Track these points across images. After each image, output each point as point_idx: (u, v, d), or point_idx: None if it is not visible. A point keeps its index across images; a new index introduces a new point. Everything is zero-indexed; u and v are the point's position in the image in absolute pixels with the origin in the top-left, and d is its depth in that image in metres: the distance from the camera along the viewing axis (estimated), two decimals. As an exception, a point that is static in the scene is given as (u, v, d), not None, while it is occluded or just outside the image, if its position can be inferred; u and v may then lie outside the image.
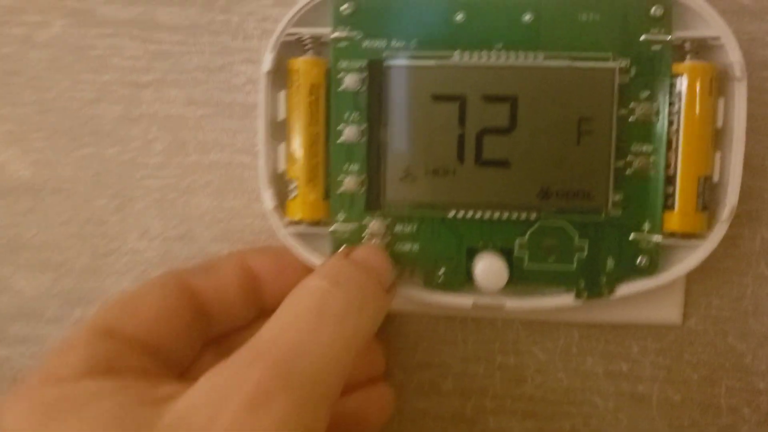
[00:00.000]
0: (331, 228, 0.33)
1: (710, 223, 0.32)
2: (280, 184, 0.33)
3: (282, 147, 0.33)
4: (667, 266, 0.32)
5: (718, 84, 0.31)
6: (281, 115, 0.32)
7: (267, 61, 0.32)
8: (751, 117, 0.31)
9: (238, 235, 0.36)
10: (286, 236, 0.33)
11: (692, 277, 0.34)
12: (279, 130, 0.33)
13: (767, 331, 0.35)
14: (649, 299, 0.33)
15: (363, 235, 0.33)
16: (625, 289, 0.32)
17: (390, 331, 0.36)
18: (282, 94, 0.32)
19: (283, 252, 0.33)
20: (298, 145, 0.32)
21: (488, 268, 0.31)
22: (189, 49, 0.35)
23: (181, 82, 0.36)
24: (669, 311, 0.34)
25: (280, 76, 0.32)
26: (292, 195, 0.32)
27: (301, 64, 0.32)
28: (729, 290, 0.35)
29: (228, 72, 0.35)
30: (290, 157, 0.32)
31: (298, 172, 0.32)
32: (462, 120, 0.32)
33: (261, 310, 0.32)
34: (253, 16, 0.35)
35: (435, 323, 0.36)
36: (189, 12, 0.35)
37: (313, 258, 0.33)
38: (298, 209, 0.32)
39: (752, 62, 0.33)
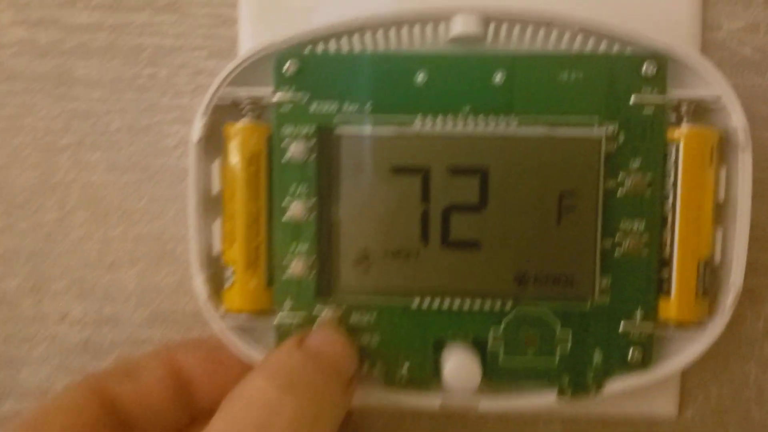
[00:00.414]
0: (276, 320, 0.28)
1: (711, 308, 0.27)
2: (216, 268, 0.28)
3: (217, 224, 0.28)
4: (663, 359, 0.28)
5: (720, 151, 0.26)
6: (215, 188, 0.27)
7: (197, 129, 0.27)
8: (753, 182, 0.26)
9: (171, 318, 0.31)
10: (222, 330, 0.28)
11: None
12: (213, 206, 0.28)
13: (773, 422, 0.30)
14: (641, 390, 0.29)
15: (313, 326, 0.28)
16: (614, 385, 0.28)
17: (347, 428, 0.31)
18: (216, 164, 0.27)
19: (219, 346, 0.28)
20: (235, 223, 0.27)
21: (459, 366, 0.27)
22: (111, 108, 0.31)
23: (103, 144, 0.31)
24: (663, 403, 0.30)
25: (214, 142, 0.27)
26: (230, 282, 0.27)
27: (238, 130, 0.27)
28: (729, 377, 0.30)
29: (156, 133, 0.31)
30: (226, 237, 0.28)
31: (235, 255, 0.27)
32: (426, 195, 0.27)
33: (194, 415, 0.27)
34: (185, 70, 0.30)
35: (399, 419, 0.31)
36: (111, 65, 0.30)
37: (254, 354, 0.28)
38: (236, 299, 0.28)
39: (754, 120, 0.29)
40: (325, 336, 0.27)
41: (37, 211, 0.31)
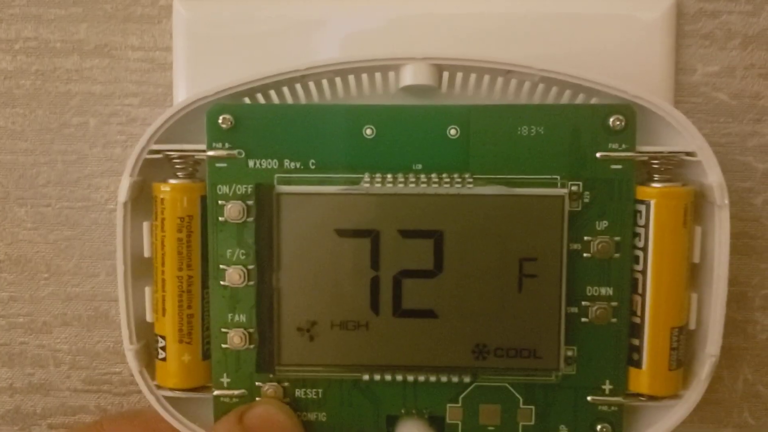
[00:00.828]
0: (215, 394, 0.25)
1: (685, 378, 0.25)
2: (151, 335, 0.26)
3: (149, 291, 0.25)
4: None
5: (694, 210, 0.24)
6: (146, 251, 0.25)
7: (123, 189, 0.24)
8: (731, 234, 0.24)
9: (106, 385, 0.29)
10: (158, 402, 0.25)
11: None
12: (146, 268, 0.25)
13: (754, 493, 0.28)
14: (612, 463, 0.27)
15: (254, 400, 0.25)
16: (582, 462, 0.25)
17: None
18: (146, 226, 0.25)
19: (157, 417, 0.25)
20: (165, 293, 0.25)
21: (412, 449, 0.24)
22: (38, 160, 0.28)
23: (30, 199, 0.28)
24: (636, 475, 0.28)
25: (146, 200, 0.25)
26: (161, 355, 0.25)
27: (168, 190, 0.24)
28: (707, 443, 0.28)
29: (86, 187, 0.28)
30: (157, 306, 0.25)
31: (166, 327, 0.25)
32: (375, 261, 0.25)
33: None
34: (116, 118, 0.28)
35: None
36: (36, 114, 0.28)
37: (194, 428, 0.25)
38: (168, 374, 0.25)
39: (730, 171, 0.27)
40: (266, 412, 0.25)
41: (-42, 272, 0.29)
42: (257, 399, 0.26)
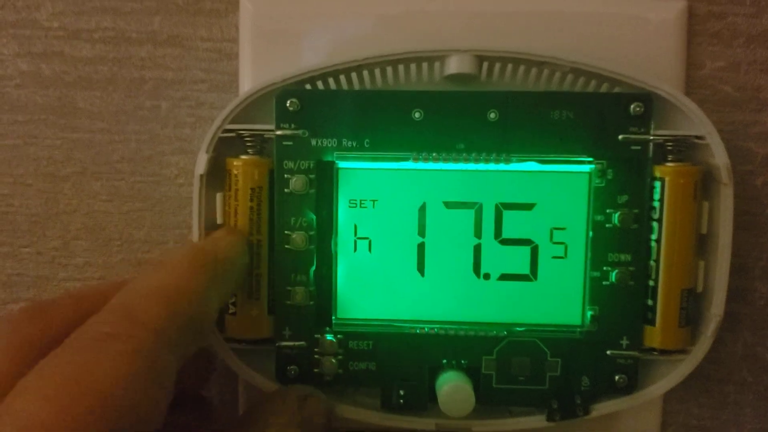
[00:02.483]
0: (278, 345, 0.29)
1: (693, 335, 0.29)
2: (219, 296, 0.29)
3: (220, 255, 0.29)
4: (646, 382, 0.30)
5: (702, 187, 0.28)
6: (219, 219, 0.28)
7: (201, 163, 0.28)
8: (735, 214, 0.28)
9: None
10: (226, 353, 0.29)
11: (671, 386, 0.31)
12: (217, 236, 0.29)
13: (751, 442, 0.32)
14: (626, 414, 0.30)
15: (314, 353, 0.29)
16: (601, 408, 0.29)
17: None
18: (219, 197, 0.28)
19: None
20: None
21: (453, 393, 0.28)
22: (113, 138, 0.31)
23: (105, 174, 0.31)
24: (646, 424, 0.32)
25: (217, 174, 0.28)
26: (231, 311, 0.28)
27: (240, 165, 0.28)
28: (709, 399, 0.32)
29: (157, 163, 0.31)
30: (229, 268, 0.28)
31: (238, 286, 0.28)
32: (422, 229, 0.28)
33: None
34: (186, 102, 0.31)
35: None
36: (113, 97, 0.31)
37: (257, 379, 0.29)
38: (237, 327, 0.29)
39: (734, 155, 0.30)
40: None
41: (40, 238, 0.32)
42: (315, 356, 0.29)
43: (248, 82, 0.30)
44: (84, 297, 0.25)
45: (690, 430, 0.32)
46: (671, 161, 0.28)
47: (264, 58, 0.30)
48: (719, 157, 0.27)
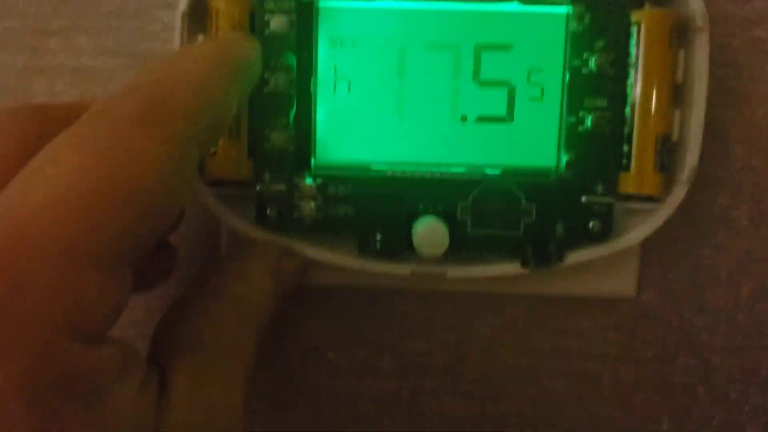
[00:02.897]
0: (257, 189, 0.29)
1: (668, 187, 0.29)
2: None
3: (201, 98, 0.29)
4: (622, 232, 0.30)
5: (678, 34, 0.28)
6: (200, 62, 0.29)
7: (183, 1, 0.28)
8: (711, 77, 0.28)
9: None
10: (207, 196, 0.29)
11: (647, 247, 0.31)
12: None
13: (724, 306, 0.32)
14: (602, 269, 0.31)
15: (294, 197, 0.29)
16: (575, 256, 0.30)
17: (322, 306, 0.32)
18: (201, 39, 0.29)
19: None
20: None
21: (428, 233, 0.28)
22: (100, -8, 0.32)
23: (92, 29, 0.32)
24: (622, 282, 0.32)
25: (198, 18, 0.29)
26: (212, 150, 0.29)
27: (221, 3, 0.28)
28: (685, 261, 0.32)
29: (143, 18, 0.32)
30: (210, 108, 0.29)
31: (218, 125, 0.28)
32: (401, 70, 0.28)
33: None
34: (173, -45, 0.31)
35: (370, 297, 0.33)
36: (99, -50, 0.31)
37: (237, 222, 0.29)
38: (219, 167, 0.29)
39: (713, 17, 0.30)
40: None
41: (25, 94, 0.32)
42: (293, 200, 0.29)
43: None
44: (83, 105, 0.25)
45: (666, 294, 0.32)
46: (648, 7, 0.28)
47: None
48: (694, 1, 0.28)
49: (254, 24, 0.29)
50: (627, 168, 0.29)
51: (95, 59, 0.32)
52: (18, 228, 0.18)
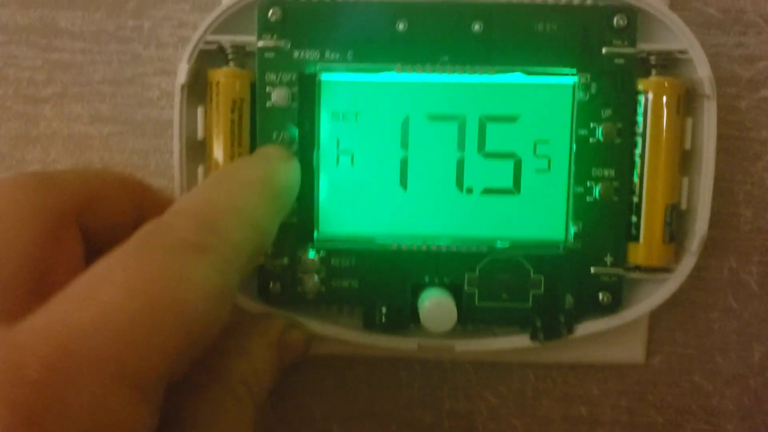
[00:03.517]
0: (260, 263, 0.28)
1: (677, 254, 0.29)
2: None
3: (202, 170, 0.28)
4: (631, 302, 0.29)
5: (686, 102, 0.28)
6: (200, 133, 0.28)
7: (182, 73, 0.27)
8: (717, 138, 0.28)
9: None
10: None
11: (656, 311, 0.31)
12: (198, 151, 0.28)
13: (735, 370, 0.32)
14: (610, 336, 0.30)
15: (297, 270, 0.28)
16: (585, 328, 0.29)
17: (325, 376, 0.32)
18: (200, 110, 0.28)
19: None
20: (219, 168, 0.28)
21: (435, 308, 0.28)
22: (94, 59, 0.31)
23: (86, 95, 0.31)
24: (631, 349, 0.31)
25: (198, 89, 0.28)
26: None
27: (221, 76, 0.27)
28: (694, 325, 0.32)
29: (139, 84, 0.31)
30: (210, 182, 0.28)
31: (218, 200, 0.28)
32: (405, 142, 0.28)
33: None
34: (168, 22, 0.31)
35: (376, 366, 0.32)
36: (94, 17, 0.31)
37: (240, 297, 0.29)
38: (219, 242, 0.28)
39: (718, 78, 0.30)
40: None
41: (19, 163, 0.32)
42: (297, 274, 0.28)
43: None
44: (89, 176, 0.25)
45: (676, 358, 0.32)
46: (655, 75, 0.28)
47: (247, -24, 0.30)
48: (702, 69, 0.27)
49: (255, 96, 0.28)
50: (636, 238, 0.28)
51: (90, 127, 0.32)
52: (67, 344, 0.18)
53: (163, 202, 0.28)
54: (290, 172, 0.27)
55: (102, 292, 0.19)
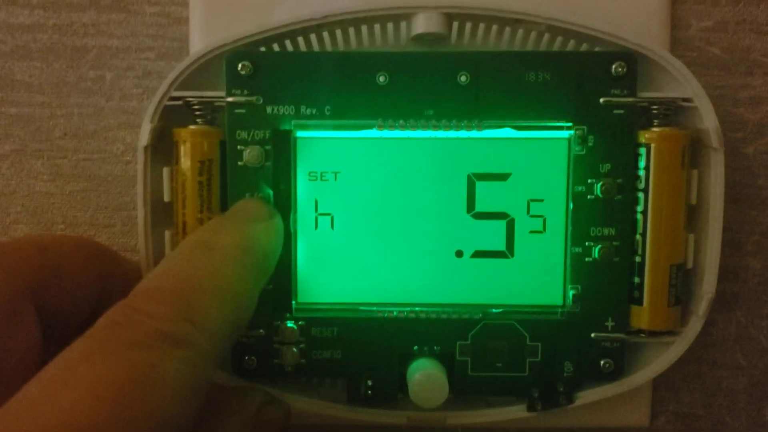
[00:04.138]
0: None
1: (684, 315, 0.26)
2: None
3: (168, 235, 0.26)
4: (634, 367, 0.27)
5: (691, 152, 0.26)
6: (166, 196, 0.26)
7: (145, 133, 0.25)
8: (725, 184, 0.26)
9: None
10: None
11: (660, 371, 0.29)
12: (165, 214, 0.26)
13: (745, 430, 0.30)
14: (612, 400, 0.28)
15: (274, 341, 0.26)
16: (585, 396, 0.27)
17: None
18: (166, 171, 0.26)
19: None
20: (186, 236, 0.25)
21: (425, 382, 0.26)
22: (54, 113, 0.29)
23: (46, 151, 0.29)
24: (635, 413, 0.29)
25: (164, 146, 0.26)
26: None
27: (187, 135, 0.25)
28: (701, 384, 0.30)
29: (102, 139, 0.29)
30: (178, 249, 0.26)
31: (188, 268, 0.25)
32: (388, 203, 0.26)
33: None
34: (132, 72, 0.28)
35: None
36: (53, 68, 0.29)
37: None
38: (189, 314, 0.26)
39: (723, 122, 0.28)
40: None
41: (-25, 223, 0.29)
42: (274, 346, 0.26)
43: (199, 49, 0.28)
44: (45, 245, 0.23)
45: (681, 419, 0.30)
46: (657, 126, 0.26)
47: (216, 23, 0.28)
48: (708, 119, 0.25)
49: (225, 155, 0.25)
50: (639, 301, 0.26)
51: (51, 184, 0.29)
52: None
53: (130, 272, 0.26)
54: (273, 233, 0.25)
55: (64, 397, 0.17)
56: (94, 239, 0.28)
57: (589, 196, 0.26)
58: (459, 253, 0.26)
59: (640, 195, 0.26)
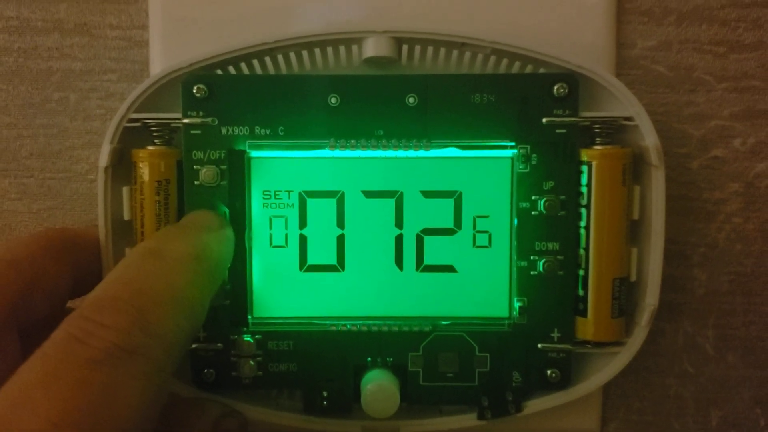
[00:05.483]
0: (193, 347, 0.27)
1: (628, 326, 0.27)
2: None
3: (129, 251, 0.27)
4: (582, 376, 0.28)
5: (632, 171, 0.27)
6: (126, 215, 0.27)
7: (104, 155, 0.26)
8: (669, 199, 0.27)
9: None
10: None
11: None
12: (126, 230, 0.27)
13: (694, 435, 0.31)
14: (563, 409, 0.29)
15: (232, 355, 0.27)
16: (534, 405, 0.28)
17: None
18: (126, 191, 0.27)
19: None
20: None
21: (377, 392, 0.26)
22: (20, 133, 0.30)
23: (12, 171, 0.30)
24: (585, 419, 0.30)
25: (125, 166, 0.27)
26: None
27: (145, 156, 0.26)
28: (650, 392, 0.31)
29: (67, 158, 0.30)
30: (138, 266, 0.27)
31: (147, 285, 0.26)
32: (341, 220, 0.26)
33: None
34: (95, 93, 0.29)
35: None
36: (19, 90, 0.29)
37: (173, 384, 0.27)
38: (149, 329, 0.27)
39: (668, 138, 0.29)
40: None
41: (-56, 240, 0.30)
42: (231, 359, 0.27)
43: (159, 71, 0.28)
44: (19, 260, 0.23)
45: (632, 425, 0.31)
46: (599, 144, 0.27)
47: (175, 45, 0.29)
48: (649, 137, 0.26)
49: (182, 174, 0.26)
50: (583, 313, 0.27)
51: (18, 203, 0.30)
52: None
53: (98, 246, 0.26)
54: (224, 242, 0.25)
55: (23, 423, 0.17)
56: (58, 227, 0.28)
57: (533, 212, 0.27)
58: (408, 268, 0.27)
59: (583, 211, 0.27)
